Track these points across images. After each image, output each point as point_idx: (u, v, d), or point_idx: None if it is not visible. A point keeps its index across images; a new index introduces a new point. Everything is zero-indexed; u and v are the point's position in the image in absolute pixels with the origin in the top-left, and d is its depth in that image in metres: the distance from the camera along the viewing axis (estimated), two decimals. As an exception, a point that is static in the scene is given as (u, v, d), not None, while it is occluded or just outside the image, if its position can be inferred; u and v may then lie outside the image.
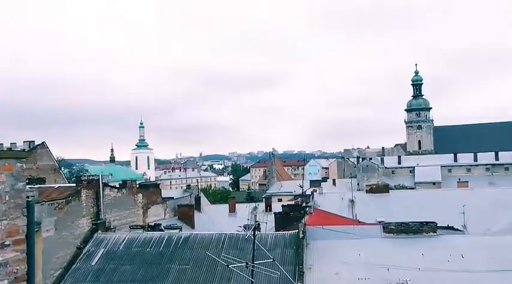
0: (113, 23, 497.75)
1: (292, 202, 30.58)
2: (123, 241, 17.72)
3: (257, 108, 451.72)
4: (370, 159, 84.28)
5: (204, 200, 36.58)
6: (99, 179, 18.97)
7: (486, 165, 78.37)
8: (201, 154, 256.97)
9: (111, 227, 19.12)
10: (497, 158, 78.25)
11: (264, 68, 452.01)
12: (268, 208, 31.75)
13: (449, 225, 19.07)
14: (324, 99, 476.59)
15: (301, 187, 30.49)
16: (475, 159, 79.39)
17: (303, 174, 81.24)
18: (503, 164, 77.48)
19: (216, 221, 30.11)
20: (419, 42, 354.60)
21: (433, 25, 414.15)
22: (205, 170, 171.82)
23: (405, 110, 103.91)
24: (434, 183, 72.43)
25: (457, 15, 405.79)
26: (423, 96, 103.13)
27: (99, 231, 18.17)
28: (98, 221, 18.43)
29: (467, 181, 38.30)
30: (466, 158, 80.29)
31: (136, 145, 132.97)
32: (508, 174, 75.38)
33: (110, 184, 21.73)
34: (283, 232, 17.14)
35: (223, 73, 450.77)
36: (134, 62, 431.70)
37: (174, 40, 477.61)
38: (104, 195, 19.20)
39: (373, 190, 34.73)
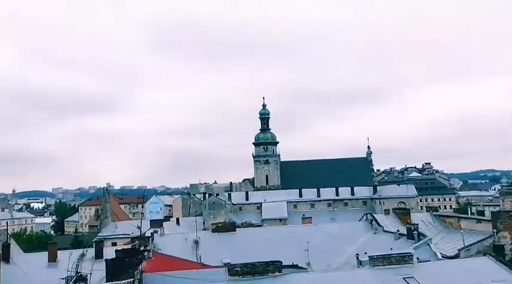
0: None
1: (129, 246, 28.99)
2: None
3: (89, 135, 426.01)
4: (217, 194, 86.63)
5: (15, 248, 32.20)
6: None
7: (328, 200, 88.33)
8: (14, 191, 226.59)
9: None
10: (337, 193, 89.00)
11: (96, 89, 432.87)
12: (99, 254, 29.37)
13: (294, 263, 20.59)
14: (169, 129, 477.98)
15: (139, 228, 29.23)
16: (318, 195, 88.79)
17: (142, 213, 78.41)
18: (342, 199, 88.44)
19: (30, 274, 26.60)
20: (270, 77, 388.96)
21: (285, 62, 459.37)
22: (20, 210, 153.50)
23: (253, 144, 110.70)
24: (280, 220, 78.01)
25: (307, 54, 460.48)
26: (270, 130, 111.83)
27: None
28: None
29: (311, 217, 42.16)
30: (310, 193, 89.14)
31: None
32: (346, 209, 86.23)
33: None
34: (116, 282, 16.01)
35: (42, 92, 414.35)
36: None
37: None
38: None
39: (219, 228, 35.39)
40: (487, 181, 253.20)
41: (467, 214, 45.80)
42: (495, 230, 27.71)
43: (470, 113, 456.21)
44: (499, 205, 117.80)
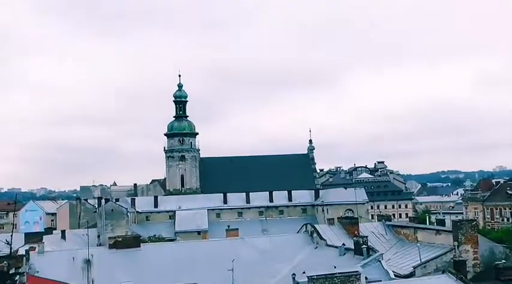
0: None
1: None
2: None
3: None
4: (117, 199, 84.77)
5: None
6: None
7: (259, 207, 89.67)
8: None
9: None
10: (271, 199, 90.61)
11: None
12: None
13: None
14: (55, 115, 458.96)
15: (9, 243, 28.05)
16: (247, 200, 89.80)
17: (14, 224, 74.92)
18: (277, 206, 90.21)
19: None
20: (189, 52, 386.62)
21: (207, 37, 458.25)
22: None
23: (165, 135, 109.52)
24: (199, 232, 78.04)
25: (237, 30, 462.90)
26: (188, 118, 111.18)
27: None
28: None
29: (238, 229, 42.62)
30: (237, 199, 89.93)
31: None
32: (282, 218, 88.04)
33: None
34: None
35: None
36: None
37: None
38: None
39: (118, 244, 34.77)
40: (449, 184, 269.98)
41: (426, 223, 48.53)
42: (456, 243, 29.70)
43: (432, 104, 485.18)
44: (462, 213, 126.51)
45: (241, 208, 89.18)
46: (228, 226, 46.44)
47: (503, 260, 27.18)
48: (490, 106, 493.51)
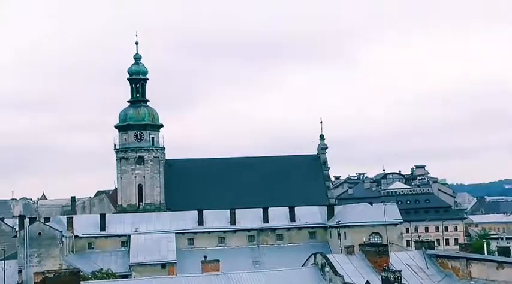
0: None
1: None
2: None
3: None
4: (48, 219, 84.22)
5: None
6: None
7: (249, 230, 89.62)
8: None
9: None
10: (265, 218, 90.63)
11: None
12: None
13: None
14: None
15: None
16: (233, 221, 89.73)
17: None
18: (274, 229, 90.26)
19: None
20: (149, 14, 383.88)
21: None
22: None
23: (116, 127, 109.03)
24: (164, 265, 77.87)
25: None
26: (148, 103, 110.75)
27: None
28: None
29: (219, 260, 42.52)
30: (218, 218, 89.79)
31: None
32: (281, 245, 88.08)
33: None
34: None
35: None
36: None
37: None
38: None
39: (49, 282, 34.68)
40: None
41: (483, 252, 48.78)
42: (525, 279, 29.89)
43: (490, 83, 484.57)
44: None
45: (224, 232, 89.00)
46: (205, 257, 46.37)
47: None
48: None
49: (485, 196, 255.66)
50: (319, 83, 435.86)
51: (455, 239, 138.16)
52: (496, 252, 49.87)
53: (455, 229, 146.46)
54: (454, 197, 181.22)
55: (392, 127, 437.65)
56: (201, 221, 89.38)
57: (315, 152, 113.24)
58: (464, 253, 42.24)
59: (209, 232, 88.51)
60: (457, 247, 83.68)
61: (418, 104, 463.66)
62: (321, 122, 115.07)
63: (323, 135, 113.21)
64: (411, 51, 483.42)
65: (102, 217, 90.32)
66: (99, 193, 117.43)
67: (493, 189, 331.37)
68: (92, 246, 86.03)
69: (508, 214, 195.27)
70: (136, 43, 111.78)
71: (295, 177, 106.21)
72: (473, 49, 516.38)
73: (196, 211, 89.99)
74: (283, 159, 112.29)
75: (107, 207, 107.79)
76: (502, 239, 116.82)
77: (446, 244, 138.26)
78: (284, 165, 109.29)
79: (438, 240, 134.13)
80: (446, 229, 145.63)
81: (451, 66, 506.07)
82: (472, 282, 32.50)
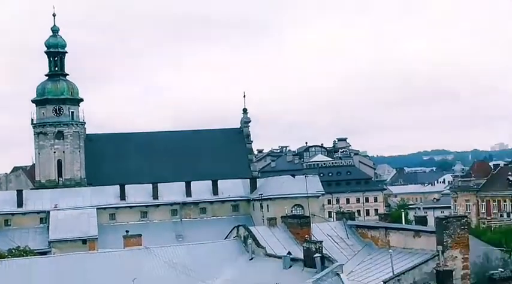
0: None
1: None
2: None
3: None
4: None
5: None
6: None
7: (171, 204, 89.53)
8: None
9: None
10: (188, 192, 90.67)
11: None
12: None
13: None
14: None
15: None
16: (155, 195, 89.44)
17: None
18: (197, 202, 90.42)
19: None
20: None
21: None
22: None
23: (34, 101, 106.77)
24: (84, 241, 77.30)
25: None
26: (67, 77, 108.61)
27: None
28: None
29: (141, 235, 42.32)
30: (139, 193, 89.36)
31: None
32: (204, 218, 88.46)
33: None
34: None
35: None
36: None
37: None
38: None
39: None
40: (434, 169, 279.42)
41: (401, 222, 50.07)
42: (440, 247, 30.83)
43: (412, 63, 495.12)
44: (450, 207, 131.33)
45: (146, 206, 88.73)
46: (127, 231, 46.08)
47: (500, 269, 28.42)
48: (489, 67, 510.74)
49: (404, 168, 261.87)
50: (244, 60, 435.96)
51: (375, 209, 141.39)
52: (414, 221, 51.23)
53: (376, 199, 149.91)
54: (375, 169, 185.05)
55: (316, 102, 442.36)
56: (123, 196, 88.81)
57: (238, 126, 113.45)
58: (383, 223, 43.26)
59: (131, 207, 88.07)
60: (377, 217, 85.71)
61: (342, 81, 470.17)
62: (244, 96, 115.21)
63: (246, 109, 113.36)
64: (333, 32, 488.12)
65: (19, 193, 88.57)
66: (15, 169, 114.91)
67: (412, 160, 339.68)
68: (9, 223, 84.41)
69: (426, 185, 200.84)
70: (54, 15, 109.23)
71: (218, 151, 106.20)
72: (390, 30, 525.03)
73: (118, 186, 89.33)
74: (205, 132, 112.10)
75: (24, 183, 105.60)
76: (419, 208, 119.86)
77: (366, 215, 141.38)
78: (207, 138, 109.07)
79: (359, 211, 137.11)
80: (367, 200, 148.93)
81: (375, 46, 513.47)
82: (390, 251, 33.25)
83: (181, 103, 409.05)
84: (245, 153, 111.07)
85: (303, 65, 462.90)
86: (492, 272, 27.56)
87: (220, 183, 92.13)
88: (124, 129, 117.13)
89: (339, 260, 31.99)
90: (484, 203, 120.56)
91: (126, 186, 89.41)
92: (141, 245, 40.48)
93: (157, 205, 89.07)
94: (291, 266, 32.76)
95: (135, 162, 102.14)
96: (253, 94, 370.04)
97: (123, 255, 38.10)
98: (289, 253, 34.11)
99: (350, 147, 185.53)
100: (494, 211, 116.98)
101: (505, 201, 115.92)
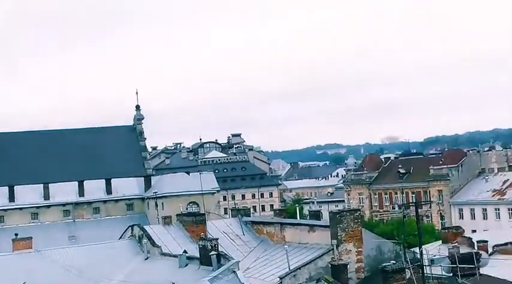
0: None
1: None
2: None
3: None
4: None
5: None
6: None
7: (64, 204, 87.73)
8: None
9: None
10: (81, 192, 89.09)
11: None
12: None
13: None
14: None
15: None
16: (46, 195, 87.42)
17: None
18: (90, 202, 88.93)
19: None
20: None
21: None
22: None
23: None
24: (-29, 245, 74.84)
25: None
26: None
27: None
28: None
29: (31, 237, 41.36)
30: (29, 193, 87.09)
31: None
32: (98, 218, 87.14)
33: None
34: None
35: None
36: None
37: None
38: None
39: None
40: (327, 163, 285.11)
41: (296, 217, 50.69)
42: (335, 241, 31.40)
43: (303, 54, 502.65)
44: (344, 201, 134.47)
45: (37, 207, 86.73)
46: (16, 234, 44.88)
47: (393, 261, 29.21)
48: (382, 57, 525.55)
49: (299, 162, 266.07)
50: (137, 55, 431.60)
51: (270, 205, 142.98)
52: (308, 216, 51.98)
53: (271, 195, 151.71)
54: (269, 164, 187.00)
55: (209, 98, 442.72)
56: (11, 197, 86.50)
57: (131, 123, 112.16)
58: (278, 219, 43.60)
59: (21, 208, 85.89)
60: (273, 212, 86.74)
61: (235, 76, 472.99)
62: (137, 93, 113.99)
63: (139, 106, 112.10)
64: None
65: None
66: None
67: (306, 155, 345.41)
68: None
69: (320, 179, 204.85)
70: None
71: (111, 149, 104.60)
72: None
73: (7, 187, 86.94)
74: (99, 130, 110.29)
75: None
76: (313, 203, 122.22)
77: (262, 210, 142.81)
78: (99, 137, 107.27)
79: (255, 207, 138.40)
80: (262, 195, 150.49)
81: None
82: (286, 246, 33.60)
83: (71, 100, 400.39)
84: (139, 151, 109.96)
85: (196, 61, 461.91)
86: (385, 264, 28.22)
87: (114, 182, 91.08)
88: (16, 128, 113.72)
89: (235, 257, 32.13)
90: (377, 196, 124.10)
91: (15, 186, 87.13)
92: (31, 248, 39.52)
93: (49, 206, 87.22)
94: (187, 265, 32.69)
95: (25, 161, 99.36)
96: (147, 91, 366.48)
97: (12, 259, 36.99)
98: (185, 251, 34.03)
99: (244, 143, 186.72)
100: (386, 204, 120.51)
101: (396, 193, 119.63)
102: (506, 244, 44.82)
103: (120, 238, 42.90)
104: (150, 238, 37.91)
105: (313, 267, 31.00)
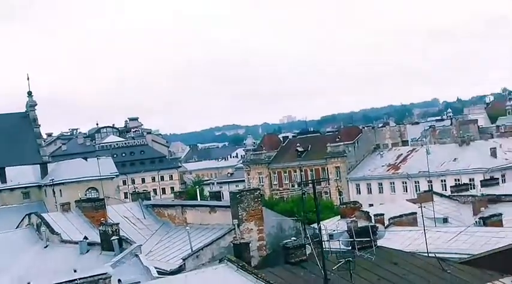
0: None
1: None
2: None
3: None
4: None
5: None
6: None
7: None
8: None
9: None
10: (3, 178, 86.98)
11: None
12: None
13: None
14: None
15: None
16: None
17: None
18: (13, 188, 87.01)
19: None
20: None
21: None
22: None
23: None
24: None
25: None
26: None
27: None
28: None
29: None
30: None
31: None
32: (22, 203, 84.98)
33: None
34: None
35: None
36: None
37: None
38: None
39: None
40: (226, 144, 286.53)
41: (197, 198, 50.96)
42: (236, 221, 31.84)
43: (197, 39, 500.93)
44: (244, 181, 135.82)
45: None
46: None
47: (293, 238, 29.86)
48: (270, 43, 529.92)
49: (198, 144, 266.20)
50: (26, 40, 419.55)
51: (171, 187, 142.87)
52: (209, 197, 52.36)
53: (171, 177, 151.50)
54: (168, 147, 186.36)
55: (104, 83, 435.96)
56: None
57: (24, 110, 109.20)
58: (179, 201, 43.80)
59: None
60: (173, 195, 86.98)
61: (128, 58, 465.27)
62: (28, 79, 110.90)
63: (31, 92, 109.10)
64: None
65: None
66: None
67: (205, 137, 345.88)
68: None
69: (219, 160, 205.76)
70: None
71: (3, 137, 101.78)
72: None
73: None
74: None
75: None
76: (213, 184, 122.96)
77: (163, 193, 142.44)
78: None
79: (155, 190, 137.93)
80: (162, 178, 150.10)
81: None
82: (187, 228, 33.80)
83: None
84: (33, 138, 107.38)
85: (88, 45, 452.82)
86: (286, 241, 28.79)
87: (8, 170, 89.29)
88: None
89: (136, 241, 32.11)
90: (276, 175, 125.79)
91: None
92: None
93: None
94: (88, 251, 32.41)
95: None
96: (40, 76, 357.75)
97: None
98: (85, 237, 33.73)
99: (142, 126, 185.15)
100: (286, 182, 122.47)
101: (295, 172, 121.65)
102: (401, 216, 46.76)
103: (17, 227, 42.00)
104: (48, 226, 37.24)
105: (215, 247, 31.37)
